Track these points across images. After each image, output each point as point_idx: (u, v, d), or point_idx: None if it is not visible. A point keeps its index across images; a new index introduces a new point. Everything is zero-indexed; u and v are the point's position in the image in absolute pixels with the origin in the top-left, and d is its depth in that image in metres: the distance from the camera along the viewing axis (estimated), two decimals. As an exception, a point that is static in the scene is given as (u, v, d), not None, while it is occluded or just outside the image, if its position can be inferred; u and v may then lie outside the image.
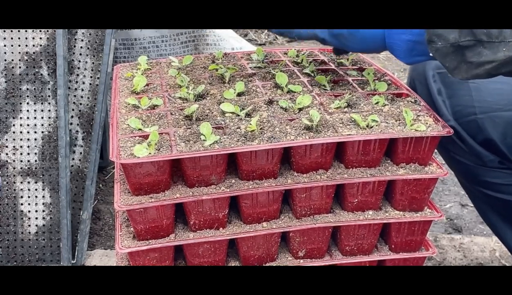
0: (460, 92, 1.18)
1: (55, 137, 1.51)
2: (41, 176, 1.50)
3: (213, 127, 0.99)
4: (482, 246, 1.61)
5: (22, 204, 1.50)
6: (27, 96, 1.51)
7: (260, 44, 3.27)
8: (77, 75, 1.55)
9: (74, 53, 1.55)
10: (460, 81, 1.16)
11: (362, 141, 0.99)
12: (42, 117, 1.51)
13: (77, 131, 1.55)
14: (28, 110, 1.51)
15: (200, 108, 1.06)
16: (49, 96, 1.51)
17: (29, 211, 1.50)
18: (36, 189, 1.50)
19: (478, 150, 1.19)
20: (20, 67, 1.51)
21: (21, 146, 1.50)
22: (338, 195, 1.06)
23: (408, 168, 1.03)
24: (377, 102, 1.09)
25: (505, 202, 1.22)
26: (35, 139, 1.51)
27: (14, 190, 1.50)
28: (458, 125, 1.19)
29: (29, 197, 1.50)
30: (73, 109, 1.55)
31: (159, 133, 0.98)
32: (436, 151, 1.30)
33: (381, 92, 1.14)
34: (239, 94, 1.12)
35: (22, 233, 1.49)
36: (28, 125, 1.51)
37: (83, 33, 1.55)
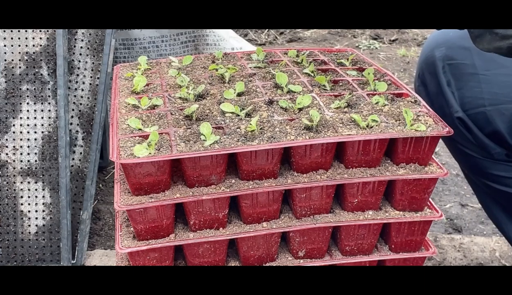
0: (469, 84, 1.18)
1: (55, 137, 1.51)
2: (41, 176, 1.50)
3: (213, 127, 0.99)
4: (482, 246, 1.61)
5: (22, 204, 1.50)
6: (27, 96, 1.51)
7: (260, 44, 3.27)
8: (77, 75, 1.55)
9: (74, 53, 1.55)
10: (470, 73, 1.16)
11: (362, 141, 0.99)
12: (42, 117, 1.51)
13: (77, 131, 1.55)
14: (28, 110, 1.51)
15: (200, 108, 1.06)
16: (49, 96, 1.51)
17: (29, 211, 1.50)
18: (36, 189, 1.50)
19: (485, 142, 1.19)
20: (20, 67, 1.51)
21: (21, 147, 1.50)
22: (338, 195, 1.06)
23: (408, 168, 1.03)
24: (377, 102, 1.09)
25: (509, 195, 1.22)
26: (35, 139, 1.51)
27: (14, 190, 1.50)
28: (466, 116, 1.19)
29: (29, 197, 1.50)
30: (73, 109, 1.55)
31: (159, 133, 0.98)
32: (442, 142, 1.30)
33: (381, 92, 1.14)
34: (239, 94, 1.12)
35: (22, 233, 1.49)
36: (28, 125, 1.51)
37: (83, 33, 1.54)
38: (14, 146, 1.50)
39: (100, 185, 1.90)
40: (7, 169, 1.50)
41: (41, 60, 1.51)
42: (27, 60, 1.51)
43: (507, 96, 1.14)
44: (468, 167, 1.30)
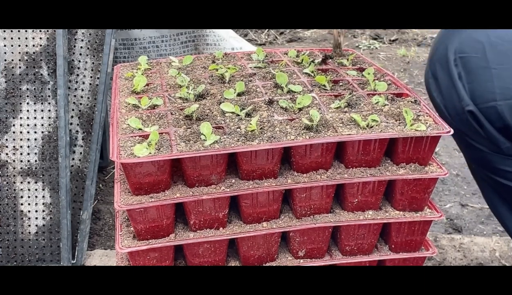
0: (481, 78, 1.17)
1: (55, 137, 1.51)
2: (41, 176, 1.50)
3: (213, 127, 0.99)
4: (482, 246, 1.61)
5: (22, 204, 1.50)
6: (27, 96, 1.51)
7: (260, 44, 3.27)
8: (77, 75, 1.55)
9: (74, 53, 1.55)
10: (482, 66, 1.15)
11: (362, 141, 0.99)
12: (42, 117, 1.51)
13: (77, 131, 1.55)
14: (28, 110, 1.51)
15: (200, 108, 1.06)
16: (49, 96, 1.51)
17: (29, 211, 1.50)
18: (36, 189, 1.50)
19: (495, 136, 1.18)
20: (20, 67, 1.51)
21: (21, 147, 1.50)
22: (338, 195, 1.06)
23: (408, 167, 1.03)
24: (377, 102, 1.09)
25: None
26: (35, 139, 1.51)
27: (14, 190, 1.50)
28: (477, 110, 1.18)
29: (29, 197, 1.50)
30: (73, 109, 1.55)
31: (159, 133, 0.98)
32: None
33: (381, 92, 1.14)
34: (239, 94, 1.12)
35: (22, 233, 1.49)
36: (28, 125, 1.51)
37: (83, 33, 1.54)
38: (14, 147, 1.50)
39: (100, 185, 1.90)
40: (7, 169, 1.50)
41: (41, 60, 1.51)
42: (27, 60, 1.51)
43: None
44: (476, 160, 1.29)
